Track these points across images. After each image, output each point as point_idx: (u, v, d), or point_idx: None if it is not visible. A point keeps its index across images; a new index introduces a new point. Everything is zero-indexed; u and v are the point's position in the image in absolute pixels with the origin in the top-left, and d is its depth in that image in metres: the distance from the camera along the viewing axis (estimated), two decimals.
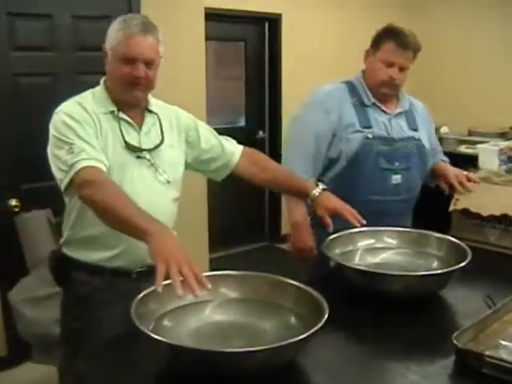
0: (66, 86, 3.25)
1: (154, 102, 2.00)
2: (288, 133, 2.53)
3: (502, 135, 4.91)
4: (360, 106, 2.37)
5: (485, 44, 5.43)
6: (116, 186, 1.73)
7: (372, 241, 2.13)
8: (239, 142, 2.18)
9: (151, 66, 1.84)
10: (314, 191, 2.06)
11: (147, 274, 1.86)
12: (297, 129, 2.45)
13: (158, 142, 1.93)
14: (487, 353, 1.42)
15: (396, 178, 2.36)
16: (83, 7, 3.36)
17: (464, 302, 1.86)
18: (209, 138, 2.08)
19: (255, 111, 5.48)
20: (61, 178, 1.77)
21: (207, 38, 4.27)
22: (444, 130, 5.31)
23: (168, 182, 1.95)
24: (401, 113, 2.42)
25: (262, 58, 5.33)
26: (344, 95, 2.38)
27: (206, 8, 4.20)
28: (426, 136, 2.47)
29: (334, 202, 2.04)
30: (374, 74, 2.34)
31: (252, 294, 1.64)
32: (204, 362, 1.31)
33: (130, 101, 1.89)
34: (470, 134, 5.19)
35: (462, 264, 1.80)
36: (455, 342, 1.44)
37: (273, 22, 5.15)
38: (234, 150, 2.11)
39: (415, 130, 2.43)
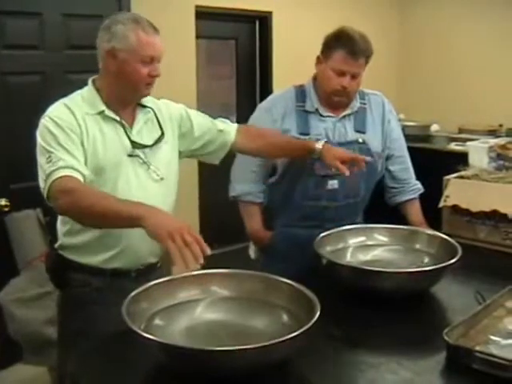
0: (56, 84, 3.24)
1: (146, 98, 1.99)
2: None
3: (492, 133, 4.93)
4: (303, 112, 2.34)
5: (475, 43, 5.44)
6: (96, 190, 1.74)
7: (363, 238, 2.14)
8: None
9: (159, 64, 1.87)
10: (317, 145, 2.13)
11: (146, 273, 1.90)
12: None
13: (155, 137, 1.93)
14: (477, 348, 1.43)
15: (332, 184, 2.30)
16: (73, 6, 3.36)
17: (454, 298, 1.87)
18: (201, 123, 2.09)
19: (246, 109, 5.46)
20: (43, 187, 1.76)
21: (198, 37, 4.27)
22: (434, 127, 5.32)
23: (161, 178, 1.94)
24: (349, 114, 2.36)
25: (253, 56, 5.32)
26: (290, 101, 2.36)
27: (196, 6, 4.20)
28: (376, 137, 2.39)
29: (339, 150, 2.15)
30: (326, 83, 2.28)
31: (244, 292, 1.64)
32: (196, 360, 1.31)
33: (137, 100, 1.91)
34: (461, 131, 5.20)
35: (453, 261, 1.81)
36: (446, 338, 1.45)
37: (263, 20, 5.14)
38: (229, 129, 2.12)
39: (362, 132, 2.36)
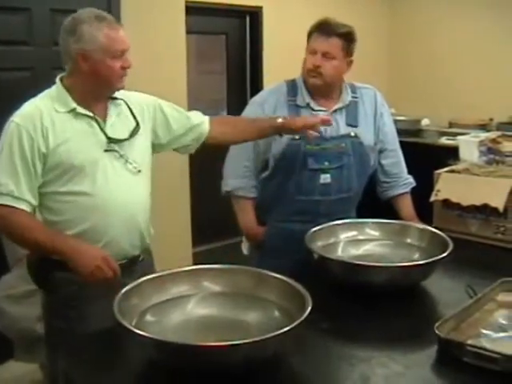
0: (45, 80, 3.18)
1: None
2: None
3: (482, 127, 4.93)
4: (294, 106, 2.34)
5: (465, 38, 5.44)
6: (28, 220, 1.81)
7: (354, 233, 2.14)
8: None
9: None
10: (279, 120, 2.15)
11: (129, 267, 1.91)
12: None
13: (130, 129, 1.93)
14: (469, 342, 1.44)
15: (325, 178, 2.31)
16: (62, 1, 3.32)
17: (446, 292, 1.88)
18: (176, 116, 2.10)
19: (237, 105, 5.45)
20: None
21: (188, 32, 4.25)
22: (425, 122, 5.33)
23: (139, 171, 1.95)
24: (340, 108, 2.36)
25: (243, 52, 5.30)
26: (282, 95, 2.36)
27: (186, 1, 4.17)
28: (369, 130, 2.40)
29: (301, 118, 2.20)
30: (303, 67, 2.33)
31: (235, 288, 1.64)
32: (187, 356, 1.31)
33: (112, 93, 1.91)
34: (451, 126, 5.21)
35: (444, 255, 1.81)
36: (437, 331, 1.45)
37: (254, 15, 5.13)
38: (202, 120, 2.14)
39: (354, 125, 2.36)
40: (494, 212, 2.35)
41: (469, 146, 3.15)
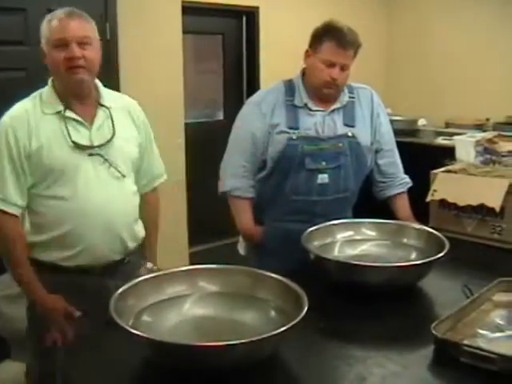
0: (41, 80, 3.19)
1: (108, 94, 1.96)
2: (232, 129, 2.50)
3: (479, 127, 4.94)
4: (292, 106, 2.33)
5: (462, 38, 5.46)
6: (14, 241, 1.83)
7: (351, 233, 2.14)
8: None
9: (86, 46, 1.82)
10: None
11: (111, 270, 1.91)
12: (236, 129, 2.44)
13: (109, 136, 1.90)
14: (465, 342, 1.44)
15: (322, 178, 2.30)
16: (57, 1, 3.32)
17: (442, 292, 1.88)
18: (149, 151, 2.09)
19: (233, 105, 5.45)
20: None
21: (184, 32, 4.26)
22: (422, 122, 5.34)
23: (123, 176, 1.92)
24: (338, 108, 2.35)
25: (240, 52, 5.30)
26: (280, 95, 2.35)
27: (182, 1, 4.18)
28: (366, 130, 2.39)
29: None
30: (315, 75, 2.28)
31: (232, 288, 1.64)
32: (183, 356, 1.31)
33: (76, 88, 1.85)
34: (448, 126, 5.22)
35: (440, 255, 1.81)
36: (434, 331, 1.46)
37: (250, 15, 5.13)
38: (157, 176, 2.14)
39: (351, 125, 2.35)
40: (491, 212, 2.36)
41: (465, 146, 3.16)
